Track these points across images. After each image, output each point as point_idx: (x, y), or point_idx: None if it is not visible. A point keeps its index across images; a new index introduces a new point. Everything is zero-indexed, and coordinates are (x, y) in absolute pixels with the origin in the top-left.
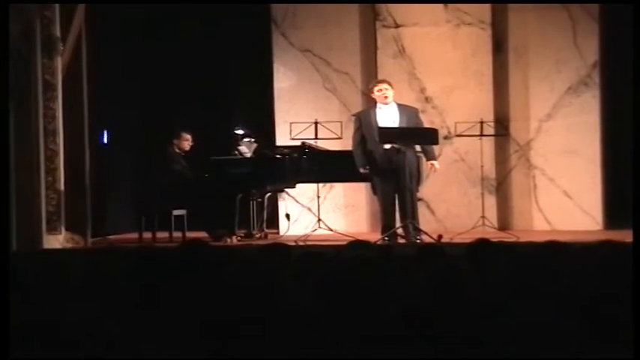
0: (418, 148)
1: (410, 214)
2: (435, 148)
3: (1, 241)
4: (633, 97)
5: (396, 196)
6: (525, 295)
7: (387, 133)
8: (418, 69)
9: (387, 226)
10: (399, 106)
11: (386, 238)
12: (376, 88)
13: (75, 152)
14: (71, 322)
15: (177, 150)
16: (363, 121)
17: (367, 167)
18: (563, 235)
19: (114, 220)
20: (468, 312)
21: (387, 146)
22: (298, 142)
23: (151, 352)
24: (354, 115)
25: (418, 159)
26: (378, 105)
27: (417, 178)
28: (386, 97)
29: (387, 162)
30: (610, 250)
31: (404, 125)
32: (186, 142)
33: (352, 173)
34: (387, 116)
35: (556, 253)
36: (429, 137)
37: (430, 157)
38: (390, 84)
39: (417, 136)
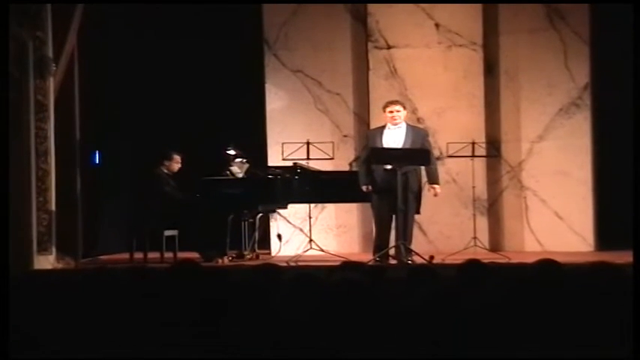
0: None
1: (402, 236)
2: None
3: (1, 240)
4: (633, 106)
5: (393, 216)
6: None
7: (379, 154)
8: (410, 90)
9: (380, 246)
10: (409, 127)
11: (377, 259)
12: (388, 109)
13: (66, 173)
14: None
15: (166, 171)
16: (370, 139)
17: (369, 186)
18: (555, 257)
19: (105, 240)
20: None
21: (388, 167)
22: (290, 163)
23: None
24: (346, 136)
25: (420, 181)
26: (388, 125)
27: (417, 201)
28: (394, 118)
29: (386, 182)
30: (604, 271)
31: (407, 147)
32: (177, 164)
33: (344, 194)
34: (393, 137)
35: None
36: (419, 158)
37: (431, 180)
38: (402, 105)
39: (408, 157)
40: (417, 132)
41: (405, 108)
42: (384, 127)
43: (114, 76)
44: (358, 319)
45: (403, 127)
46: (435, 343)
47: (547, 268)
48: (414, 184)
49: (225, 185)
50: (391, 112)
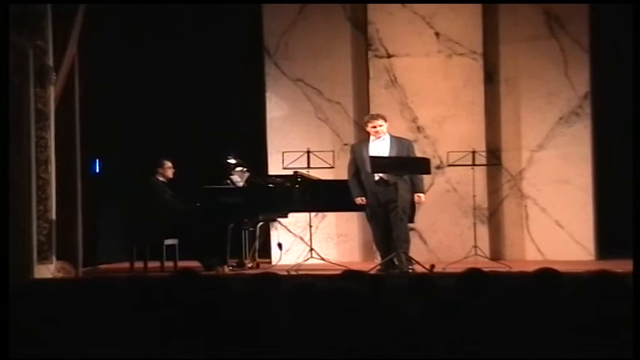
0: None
1: (399, 245)
2: (427, 177)
3: (1, 249)
4: (633, 114)
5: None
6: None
7: (379, 163)
8: (410, 99)
9: (383, 256)
10: (393, 138)
11: (382, 267)
12: (370, 124)
13: (67, 181)
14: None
15: (161, 179)
16: (357, 153)
17: (363, 198)
18: (556, 266)
19: (105, 249)
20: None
21: (377, 177)
22: (290, 172)
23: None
24: (347, 145)
25: (411, 191)
26: (371, 137)
27: (411, 210)
28: (378, 132)
29: (378, 193)
30: (604, 280)
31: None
32: (169, 169)
33: (344, 203)
34: (379, 149)
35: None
36: (420, 167)
37: (416, 189)
38: (384, 119)
39: (409, 166)
40: (400, 142)
41: (386, 121)
42: (367, 139)
43: (114, 85)
44: (359, 327)
45: (387, 138)
46: (435, 349)
47: (547, 277)
48: (405, 193)
49: (225, 194)
50: (374, 126)
